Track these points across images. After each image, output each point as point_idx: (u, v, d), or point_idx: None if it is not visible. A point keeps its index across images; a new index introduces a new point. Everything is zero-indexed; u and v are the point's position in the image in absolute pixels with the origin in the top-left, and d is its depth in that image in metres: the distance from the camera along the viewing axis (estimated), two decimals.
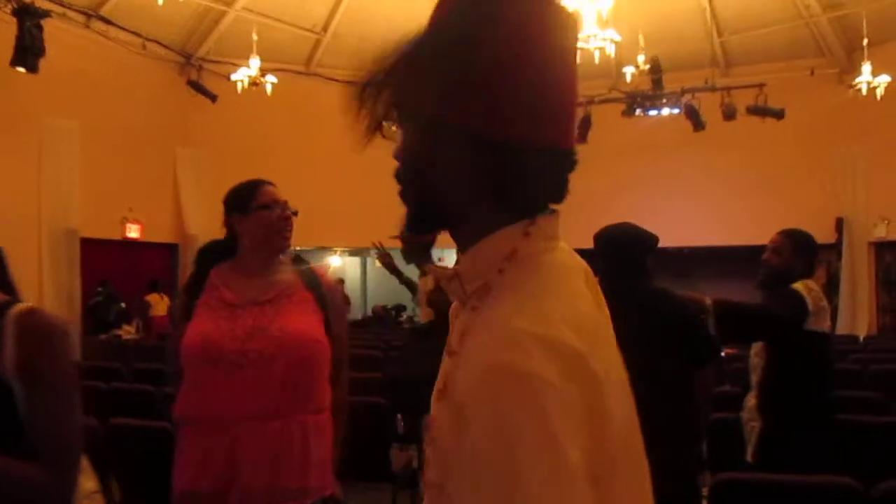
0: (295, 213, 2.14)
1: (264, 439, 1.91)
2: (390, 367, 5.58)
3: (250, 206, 2.10)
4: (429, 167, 0.80)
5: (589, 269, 0.87)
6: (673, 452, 2.51)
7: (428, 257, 3.01)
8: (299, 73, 11.93)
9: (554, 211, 0.83)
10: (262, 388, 1.92)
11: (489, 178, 0.78)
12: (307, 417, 1.98)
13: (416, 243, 3.10)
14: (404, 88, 0.81)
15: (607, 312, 0.87)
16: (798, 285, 2.92)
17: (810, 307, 2.86)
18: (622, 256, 2.64)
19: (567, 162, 0.82)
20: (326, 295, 2.14)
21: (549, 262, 0.80)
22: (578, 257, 0.86)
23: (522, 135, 0.76)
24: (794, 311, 2.86)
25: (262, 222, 2.08)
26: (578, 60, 0.83)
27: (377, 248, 3.63)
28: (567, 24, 0.80)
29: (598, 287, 0.88)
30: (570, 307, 0.75)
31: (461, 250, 0.82)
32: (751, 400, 3.00)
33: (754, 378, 2.99)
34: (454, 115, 0.77)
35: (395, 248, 3.49)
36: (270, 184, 2.16)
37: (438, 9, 0.81)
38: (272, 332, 1.97)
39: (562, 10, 0.80)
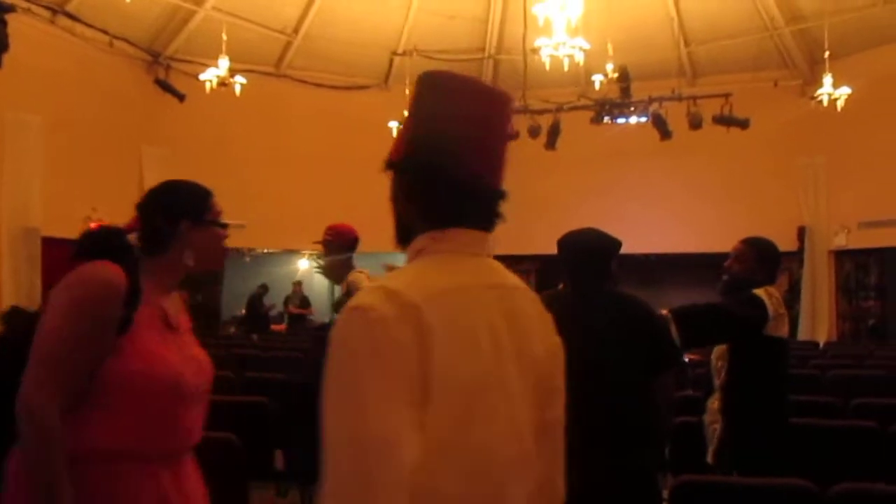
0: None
1: (197, 471, 1.85)
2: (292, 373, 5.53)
3: (205, 216, 1.86)
4: (395, 200, 1.17)
5: (498, 284, 1.16)
6: (635, 455, 2.55)
7: (345, 274, 3.37)
8: (269, 74, 11.86)
9: (472, 229, 1.14)
10: (201, 420, 1.84)
11: (427, 205, 1.12)
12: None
13: (338, 262, 3.42)
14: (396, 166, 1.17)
15: (510, 321, 1.13)
16: (759, 291, 2.98)
17: (770, 312, 2.92)
18: (585, 261, 2.67)
19: (491, 197, 1.18)
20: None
21: (441, 258, 1.11)
22: (487, 269, 1.16)
23: (454, 170, 1.11)
24: (753, 315, 2.92)
25: (214, 238, 1.89)
26: (505, 108, 1.21)
27: (317, 257, 3.76)
28: (496, 104, 1.18)
29: (510, 295, 1.17)
30: (426, 280, 1.05)
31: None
32: (713, 402, 3.06)
33: (717, 381, 3.05)
34: (414, 163, 1.13)
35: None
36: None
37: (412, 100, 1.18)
38: (205, 366, 1.85)
39: (492, 93, 1.19)
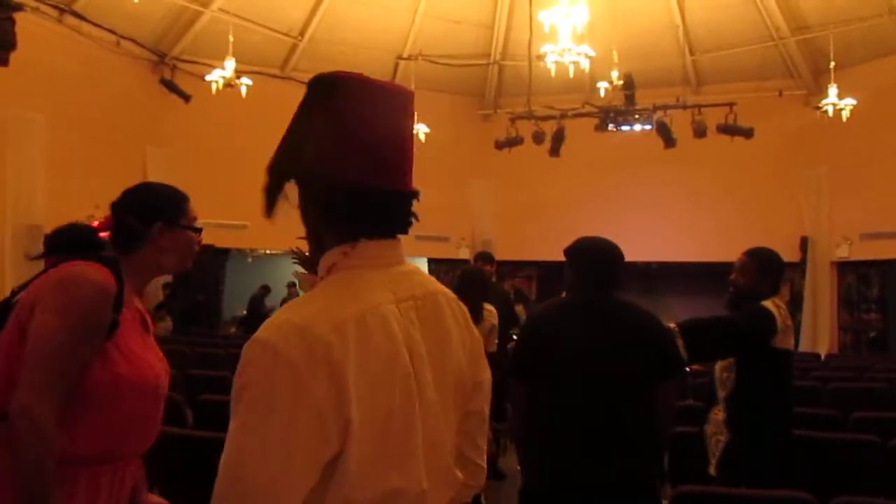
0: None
1: (141, 470, 1.86)
2: None
3: (179, 220, 1.86)
4: (302, 212, 1.16)
5: (416, 294, 1.16)
6: (635, 463, 2.54)
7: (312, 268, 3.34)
8: (274, 76, 11.87)
9: (382, 238, 1.13)
10: (157, 425, 1.82)
11: (329, 217, 1.12)
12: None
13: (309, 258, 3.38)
14: (281, 165, 1.15)
15: (428, 328, 1.15)
16: (767, 303, 2.98)
17: (779, 324, 2.92)
18: (595, 269, 2.68)
19: (398, 200, 1.14)
20: None
21: (353, 276, 1.10)
22: (397, 279, 1.14)
23: (352, 180, 1.08)
24: (762, 326, 2.92)
25: (187, 242, 1.88)
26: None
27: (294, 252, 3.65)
28: (394, 102, 1.14)
29: (427, 301, 1.19)
30: (336, 307, 1.03)
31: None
32: (717, 414, 3.04)
33: (721, 393, 3.03)
34: (308, 173, 1.12)
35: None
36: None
37: (300, 104, 1.15)
38: (165, 367, 1.85)
39: (388, 92, 1.15)
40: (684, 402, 4.40)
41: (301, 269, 2.65)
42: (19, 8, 7.82)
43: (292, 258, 3.12)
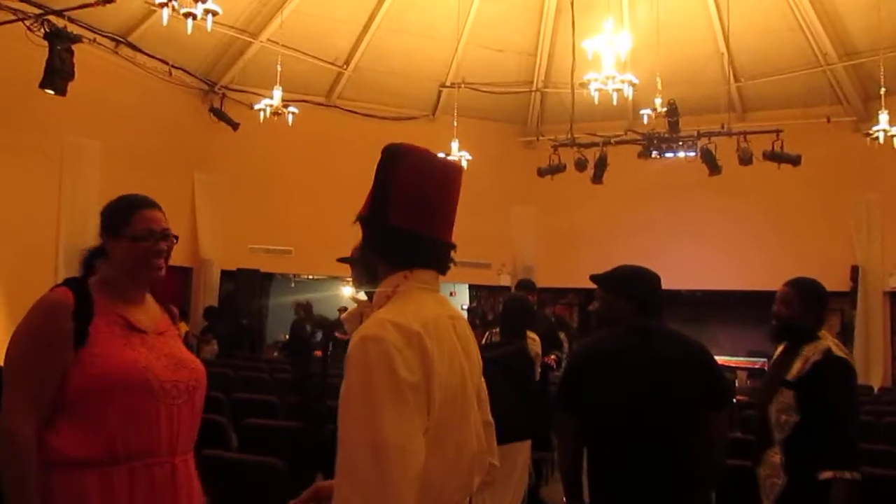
0: (175, 238, 2.01)
1: (191, 471, 1.90)
2: None
3: (123, 230, 1.92)
4: (363, 248, 1.48)
5: (455, 315, 1.47)
6: (684, 497, 2.50)
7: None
8: (319, 104, 12.09)
9: (430, 268, 1.44)
10: (191, 420, 1.90)
11: (387, 251, 1.42)
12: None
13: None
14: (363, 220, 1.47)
15: (464, 341, 1.45)
16: (833, 347, 2.84)
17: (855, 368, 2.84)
18: (643, 298, 2.67)
19: (441, 247, 1.45)
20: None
21: (417, 295, 1.38)
22: (442, 301, 1.46)
23: (416, 227, 1.39)
24: (851, 383, 2.82)
25: (130, 254, 1.92)
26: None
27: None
28: (449, 174, 1.46)
29: (461, 323, 1.47)
30: (419, 312, 1.32)
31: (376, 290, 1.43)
32: (773, 456, 2.87)
33: (778, 435, 2.87)
34: (376, 219, 1.42)
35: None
36: (152, 207, 1.99)
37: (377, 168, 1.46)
38: (189, 364, 1.93)
39: (445, 165, 1.47)
40: (733, 434, 4.30)
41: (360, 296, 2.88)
42: (77, 40, 8.13)
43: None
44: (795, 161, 9.81)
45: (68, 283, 1.89)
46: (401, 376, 1.21)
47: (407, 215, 1.40)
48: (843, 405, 2.76)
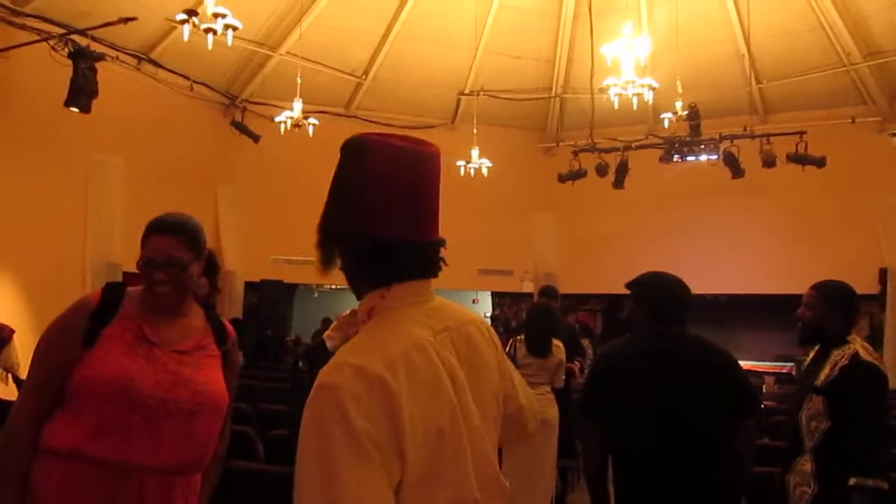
0: (183, 266, 1.93)
1: (169, 495, 1.85)
2: None
3: (141, 252, 1.98)
4: (343, 263, 1.29)
5: (450, 326, 1.28)
6: None
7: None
8: (339, 115, 12.16)
9: (412, 280, 1.25)
10: (179, 441, 1.85)
11: (365, 265, 1.25)
12: (196, 477, 1.95)
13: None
14: (325, 224, 1.29)
15: (464, 353, 1.27)
16: (861, 351, 2.78)
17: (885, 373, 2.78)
18: (665, 305, 2.65)
19: (426, 249, 1.26)
20: (231, 353, 2.09)
21: (394, 316, 1.22)
22: (429, 313, 1.27)
23: (385, 234, 1.20)
24: (880, 388, 2.75)
25: (143, 275, 1.97)
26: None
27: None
28: (419, 161, 1.24)
29: (461, 331, 1.29)
30: (388, 348, 1.15)
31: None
32: (804, 464, 2.82)
33: (809, 443, 2.82)
34: (346, 229, 1.24)
35: None
36: (162, 233, 1.96)
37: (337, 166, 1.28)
38: (195, 386, 1.90)
39: (414, 152, 1.24)
40: (760, 440, 4.24)
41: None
42: (101, 58, 8.26)
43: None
44: (820, 163, 9.69)
45: (106, 286, 2.00)
46: (358, 428, 1.06)
47: (386, 222, 1.21)
48: (869, 411, 2.71)
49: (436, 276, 1.29)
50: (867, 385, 2.73)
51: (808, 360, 3.06)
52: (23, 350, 7.45)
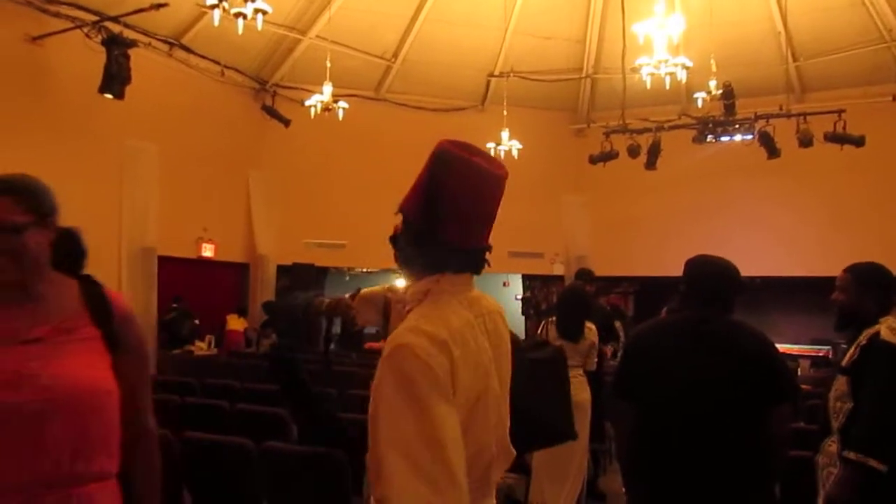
0: (16, 232, 1.55)
1: None
2: None
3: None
4: (401, 250, 1.53)
5: (484, 312, 1.53)
6: (744, 492, 2.45)
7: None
8: (369, 98, 12.16)
9: (463, 273, 1.51)
10: (30, 452, 1.49)
11: (428, 256, 1.48)
12: (86, 488, 1.55)
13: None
14: (405, 216, 1.53)
15: (492, 338, 1.52)
16: (883, 331, 2.71)
17: None
18: (702, 287, 2.62)
19: (478, 253, 1.51)
20: (121, 332, 1.68)
21: (446, 300, 1.46)
22: (472, 301, 1.52)
23: (450, 239, 1.45)
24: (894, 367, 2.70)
25: None
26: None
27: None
28: (490, 183, 1.48)
29: (491, 318, 1.54)
30: (448, 321, 1.40)
31: (411, 287, 1.54)
32: (831, 445, 2.79)
33: (835, 423, 2.79)
34: (420, 228, 1.47)
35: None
36: None
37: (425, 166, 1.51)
38: (42, 382, 1.51)
39: (487, 173, 1.47)
40: (795, 424, 4.19)
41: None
42: (133, 44, 8.35)
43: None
44: (859, 142, 9.46)
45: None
46: (439, 375, 1.31)
47: (453, 231, 1.46)
48: (878, 389, 2.65)
49: (479, 273, 1.54)
50: (880, 364, 2.68)
51: (848, 342, 3.02)
52: None
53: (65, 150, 8.65)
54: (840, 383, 2.80)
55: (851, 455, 2.59)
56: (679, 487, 2.50)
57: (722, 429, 2.46)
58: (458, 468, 1.28)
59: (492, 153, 10.30)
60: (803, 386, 5.50)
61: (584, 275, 6.16)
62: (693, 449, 2.48)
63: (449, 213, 1.46)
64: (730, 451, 2.44)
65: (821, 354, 11.33)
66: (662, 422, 2.55)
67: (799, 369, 9.94)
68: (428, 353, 1.31)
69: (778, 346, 2.76)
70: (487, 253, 1.53)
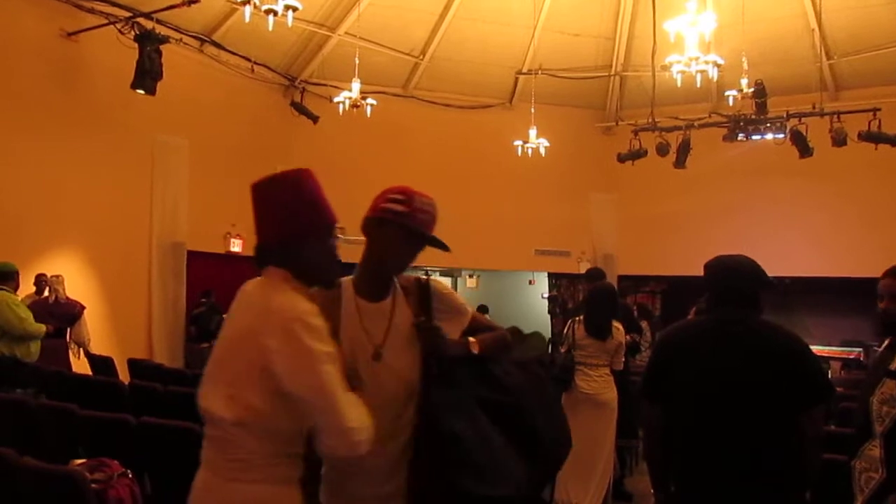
0: None
1: None
2: None
3: None
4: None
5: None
6: (775, 496, 2.42)
7: None
8: (397, 95, 12.18)
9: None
10: None
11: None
12: None
13: None
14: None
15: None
16: None
17: None
18: (731, 288, 2.59)
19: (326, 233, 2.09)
20: None
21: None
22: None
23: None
24: None
25: None
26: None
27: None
28: (306, 180, 2.13)
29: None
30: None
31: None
32: (872, 450, 2.74)
33: (879, 427, 2.69)
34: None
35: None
36: None
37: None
38: None
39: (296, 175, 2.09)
40: (826, 426, 4.12)
41: None
42: (165, 40, 8.45)
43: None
44: (894, 141, 9.28)
45: None
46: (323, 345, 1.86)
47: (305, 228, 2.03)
48: None
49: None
50: None
51: (884, 345, 2.95)
52: (92, 325, 7.74)
53: (97, 145, 8.79)
54: (888, 387, 2.71)
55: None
56: (710, 489, 2.47)
57: (754, 430, 2.43)
58: None
59: (519, 151, 10.20)
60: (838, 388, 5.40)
61: (596, 274, 6.08)
62: (725, 451, 2.45)
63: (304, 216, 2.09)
64: (762, 453, 2.41)
65: (852, 357, 11.14)
66: (693, 423, 2.53)
67: (829, 371, 9.79)
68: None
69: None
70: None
